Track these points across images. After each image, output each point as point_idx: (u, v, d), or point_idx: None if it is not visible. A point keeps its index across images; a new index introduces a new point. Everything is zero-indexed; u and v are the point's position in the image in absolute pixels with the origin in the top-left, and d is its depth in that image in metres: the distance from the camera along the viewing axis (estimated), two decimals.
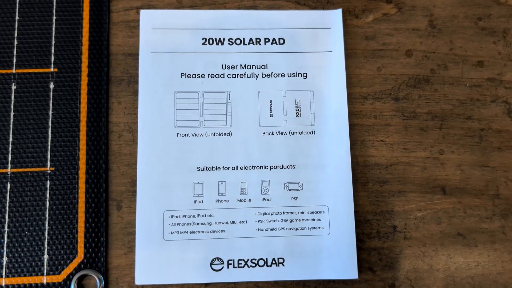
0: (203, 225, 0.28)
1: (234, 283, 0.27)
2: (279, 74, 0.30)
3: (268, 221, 0.28)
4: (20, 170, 0.27)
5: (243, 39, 0.30)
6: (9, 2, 0.29)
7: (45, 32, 0.29)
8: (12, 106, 0.28)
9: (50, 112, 0.28)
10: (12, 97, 0.28)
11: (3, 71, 0.28)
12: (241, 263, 0.28)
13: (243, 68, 0.30)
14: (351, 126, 0.29)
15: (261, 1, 0.30)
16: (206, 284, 0.27)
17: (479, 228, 0.29)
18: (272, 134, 0.29)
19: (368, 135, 0.29)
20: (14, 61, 0.28)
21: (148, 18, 0.30)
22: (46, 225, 0.27)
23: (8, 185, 0.27)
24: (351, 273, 0.28)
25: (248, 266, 0.28)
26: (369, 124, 0.30)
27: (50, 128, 0.28)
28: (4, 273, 0.26)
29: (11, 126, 0.27)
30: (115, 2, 0.30)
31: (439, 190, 0.29)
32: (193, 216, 0.28)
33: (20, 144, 0.27)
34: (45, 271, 0.26)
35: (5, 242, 0.26)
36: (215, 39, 0.30)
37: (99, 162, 0.28)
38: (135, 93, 0.29)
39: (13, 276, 0.26)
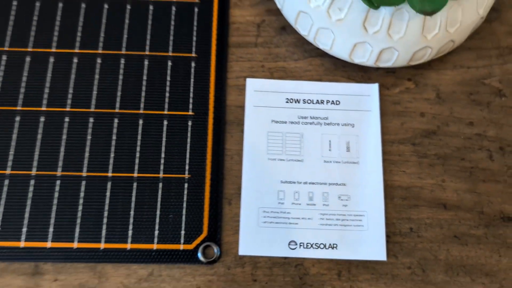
0: (283, 219, 0.40)
1: (303, 258, 0.39)
2: (335, 123, 0.42)
3: (326, 219, 0.40)
4: (169, 175, 0.40)
5: (312, 100, 0.43)
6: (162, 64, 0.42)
7: (185, 90, 0.42)
8: (164, 136, 0.41)
9: (189, 140, 0.41)
10: (165, 130, 0.41)
11: (159, 112, 0.41)
12: (308, 245, 0.39)
13: (312, 119, 0.42)
14: (383, 160, 0.41)
15: (325, 76, 0.44)
16: (285, 258, 0.39)
17: (469, 233, 0.40)
18: (330, 162, 0.41)
19: (394, 167, 0.41)
20: (167, 106, 0.42)
21: (251, 84, 0.43)
22: (184, 212, 0.39)
23: (160, 185, 0.40)
24: (382, 256, 0.39)
25: (313, 248, 0.39)
26: (395, 159, 0.41)
27: (188, 150, 0.40)
28: (156, 241, 0.38)
29: (163, 147, 0.40)
30: (230, 73, 0.43)
31: (442, 206, 0.40)
32: (277, 212, 0.40)
33: (170, 158, 0.40)
34: (182, 241, 0.38)
35: (157, 222, 0.38)
36: (294, 99, 0.43)
37: (218, 173, 0.40)
38: (242, 131, 0.41)
39: (163, 243, 0.38)
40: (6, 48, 0.41)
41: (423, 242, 0.39)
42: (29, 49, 0.41)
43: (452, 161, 0.41)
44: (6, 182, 0.38)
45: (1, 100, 0.40)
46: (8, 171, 0.38)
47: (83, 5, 0.42)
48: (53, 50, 0.41)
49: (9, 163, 0.38)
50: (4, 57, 0.41)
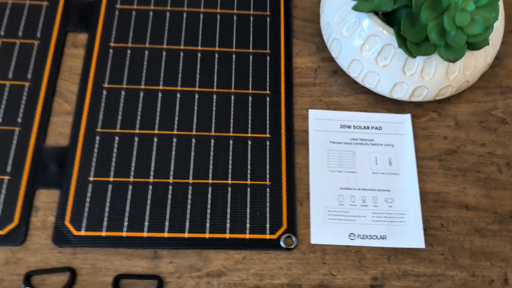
0: (344, 216, 0.50)
1: (361, 246, 0.49)
2: (379, 144, 0.53)
3: (377, 217, 0.50)
4: (254, 182, 0.50)
5: (360, 126, 0.54)
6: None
7: (263, 118, 0.53)
8: (249, 152, 0.52)
9: (268, 156, 0.52)
10: (249, 148, 0.52)
11: (244, 135, 0.52)
12: (364, 237, 0.49)
13: (361, 140, 0.53)
14: (418, 172, 0.52)
15: (369, 108, 0.55)
16: (347, 246, 0.49)
17: (487, 228, 0.50)
18: (377, 173, 0.52)
19: (426, 177, 0.52)
20: (250, 130, 0.53)
21: (312, 114, 0.54)
22: (268, 210, 0.49)
23: (248, 190, 0.50)
24: (421, 245, 0.49)
25: (367, 239, 0.49)
26: (426, 172, 0.52)
27: (268, 163, 0.51)
28: (248, 232, 0.48)
29: (249, 161, 0.51)
30: (296, 105, 0.54)
31: (464, 207, 0.51)
32: (339, 212, 0.50)
33: (254, 169, 0.51)
34: (267, 232, 0.48)
35: (248, 218, 0.49)
36: (346, 125, 0.54)
37: (291, 181, 0.50)
38: (307, 149, 0.52)
39: (253, 234, 0.48)
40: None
41: (452, 234, 0.49)
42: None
43: (470, 173, 0.52)
44: (130, 187, 0.48)
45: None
46: (131, 179, 0.49)
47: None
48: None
49: (132, 173, 0.49)
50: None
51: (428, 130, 0.54)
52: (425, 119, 0.54)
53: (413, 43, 0.46)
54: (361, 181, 0.50)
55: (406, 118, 0.54)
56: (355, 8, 0.47)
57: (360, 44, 0.49)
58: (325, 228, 0.48)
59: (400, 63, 0.49)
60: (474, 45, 0.47)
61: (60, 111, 0.52)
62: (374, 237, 0.48)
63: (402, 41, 0.46)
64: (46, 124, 0.51)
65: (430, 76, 0.49)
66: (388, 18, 0.49)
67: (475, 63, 0.50)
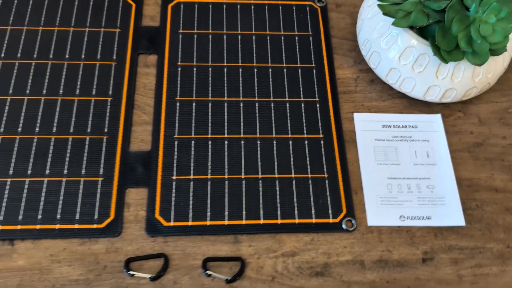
0: (393, 202, 0.57)
1: (410, 226, 0.56)
2: (417, 140, 0.61)
3: (421, 200, 0.57)
4: (314, 175, 0.57)
5: (399, 125, 0.62)
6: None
7: (316, 122, 0.61)
8: (307, 150, 0.59)
9: (323, 152, 0.59)
10: (307, 147, 0.59)
11: (301, 136, 0.60)
12: (412, 218, 0.56)
13: (401, 137, 0.61)
14: (452, 162, 0.60)
15: (404, 110, 0.63)
16: (398, 226, 0.56)
17: None
18: (417, 164, 0.59)
19: (459, 166, 0.59)
20: (305, 132, 0.60)
21: (357, 116, 0.62)
22: (328, 199, 0.56)
23: (310, 181, 0.57)
24: (461, 223, 0.56)
25: (416, 219, 0.56)
26: (459, 162, 0.60)
27: (324, 159, 0.59)
28: (313, 217, 0.55)
29: (307, 158, 0.58)
30: (342, 110, 0.62)
31: (494, 190, 0.58)
32: (389, 198, 0.57)
33: (313, 164, 0.58)
34: (330, 217, 0.55)
35: (312, 205, 0.56)
36: (387, 125, 0.62)
37: (345, 174, 0.58)
38: (356, 146, 0.60)
39: (318, 218, 0.55)
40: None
41: (486, 213, 0.57)
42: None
43: (496, 162, 0.60)
44: (209, 183, 0.55)
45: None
46: (209, 176, 0.55)
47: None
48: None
49: (209, 171, 0.56)
50: None
51: (456, 127, 0.62)
52: (452, 118, 0.62)
53: (446, 51, 0.55)
54: (404, 171, 0.58)
55: (437, 117, 0.62)
56: (394, 24, 0.56)
57: (398, 55, 0.58)
58: (378, 212, 0.56)
59: (433, 69, 0.57)
60: (495, 52, 0.56)
61: (140, 121, 0.59)
62: (421, 218, 0.56)
63: (437, 50, 0.55)
64: (129, 133, 0.58)
65: (459, 79, 0.57)
66: (421, 32, 0.58)
67: (495, 67, 0.58)
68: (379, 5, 0.57)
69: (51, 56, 0.61)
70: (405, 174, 0.58)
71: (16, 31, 0.63)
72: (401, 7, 0.56)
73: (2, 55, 0.61)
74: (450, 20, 0.53)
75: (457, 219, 0.56)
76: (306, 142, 0.58)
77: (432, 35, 0.55)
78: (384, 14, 0.57)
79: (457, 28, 0.53)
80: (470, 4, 0.54)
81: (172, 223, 0.53)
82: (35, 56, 0.61)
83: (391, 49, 0.58)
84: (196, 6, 0.67)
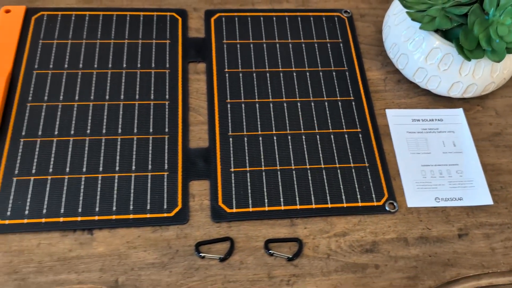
0: (428, 185, 0.63)
1: (445, 206, 0.62)
2: (443, 131, 0.67)
3: (452, 184, 0.63)
4: (357, 165, 0.63)
5: (427, 119, 0.68)
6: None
7: (352, 118, 0.67)
8: (347, 143, 0.65)
9: (362, 145, 0.65)
10: (347, 140, 0.65)
11: (340, 130, 0.66)
12: (446, 199, 0.62)
13: (429, 129, 0.67)
14: (476, 150, 0.66)
15: (430, 105, 0.70)
16: (434, 207, 0.61)
17: None
18: (446, 152, 0.66)
19: (483, 153, 0.66)
20: (344, 127, 0.66)
21: (389, 112, 0.68)
22: (371, 185, 0.62)
23: (353, 170, 0.63)
24: (489, 202, 0.62)
25: (449, 201, 0.62)
26: (482, 150, 0.66)
27: (363, 150, 0.65)
28: (359, 201, 0.61)
29: (349, 149, 0.65)
30: (375, 107, 0.68)
31: None
32: (424, 183, 0.63)
33: (354, 155, 0.64)
34: (374, 200, 0.61)
35: (357, 190, 0.61)
36: (416, 119, 0.68)
37: (383, 163, 0.64)
38: (391, 139, 0.66)
39: (364, 202, 0.61)
40: None
41: (510, 193, 0.63)
42: None
43: None
44: (263, 174, 0.61)
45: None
46: (263, 168, 0.61)
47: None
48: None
49: (262, 164, 0.62)
50: None
51: (476, 119, 0.69)
52: (472, 112, 0.69)
53: (468, 50, 0.62)
54: (435, 159, 0.64)
55: (460, 111, 0.69)
56: (421, 28, 0.63)
57: (424, 55, 0.65)
58: (416, 195, 0.62)
59: (457, 67, 0.64)
60: (511, 50, 0.63)
61: (196, 122, 0.65)
62: (453, 199, 0.62)
63: (461, 49, 0.62)
64: (187, 132, 0.63)
65: (479, 75, 0.64)
66: (445, 35, 0.65)
67: (510, 64, 0.65)
68: (407, 12, 0.64)
69: (109, 65, 0.67)
70: (436, 162, 0.64)
71: (76, 45, 0.68)
72: (427, 13, 0.63)
73: (66, 66, 0.66)
74: (472, 23, 0.60)
75: (485, 199, 0.62)
76: (346, 136, 0.65)
77: (454, 37, 0.63)
78: (412, 19, 0.64)
79: (478, 29, 0.60)
80: (488, 8, 0.61)
81: (234, 210, 0.58)
82: (95, 66, 0.67)
83: (418, 51, 0.65)
84: (236, 19, 0.73)
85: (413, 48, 0.66)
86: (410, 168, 0.63)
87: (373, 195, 0.61)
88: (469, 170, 0.64)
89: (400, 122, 0.67)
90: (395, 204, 0.61)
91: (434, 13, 0.63)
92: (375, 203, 0.60)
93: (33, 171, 0.58)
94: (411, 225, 0.60)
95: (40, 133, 0.61)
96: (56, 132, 0.61)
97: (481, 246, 0.59)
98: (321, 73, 0.70)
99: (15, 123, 0.61)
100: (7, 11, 0.70)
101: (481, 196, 0.62)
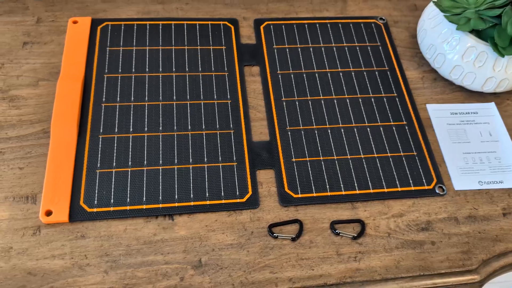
0: (471, 171, 0.68)
1: (488, 189, 0.67)
2: (479, 122, 0.73)
3: (493, 169, 0.68)
4: (405, 154, 0.68)
5: (463, 112, 0.74)
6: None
7: (398, 112, 0.73)
8: (396, 136, 0.70)
9: (409, 136, 0.70)
10: (395, 133, 0.71)
11: (387, 124, 0.71)
12: (488, 182, 0.67)
13: (467, 121, 0.73)
14: (511, 138, 0.72)
15: (465, 100, 0.76)
16: (478, 190, 0.67)
17: None
18: (484, 142, 0.71)
19: None
20: (391, 120, 0.72)
21: (429, 107, 0.74)
22: (421, 171, 0.67)
23: (404, 158, 0.68)
24: None
25: (491, 183, 0.67)
26: None
27: (411, 141, 0.70)
28: (412, 185, 0.66)
29: (398, 141, 0.70)
30: (417, 102, 0.74)
31: None
32: (466, 169, 0.68)
33: (403, 145, 0.69)
34: (425, 184, 0.66)
35: (409, 175, 0.66)
36: (454, 112, 0.74)
37: (429, 151, 0.69)
38: (433, 130, 0.71)
39: (416, 186, 0.66)
40: None
41: None
42: None
43: None
44: (322, 163, 0.65)
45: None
46: (321, 157, 0.66)
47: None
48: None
49: (320, 154, 0.66)
50: None
51: (508, 112, 0.74)
52: (503, 105, 0.75)
53: (502, 47, 0.68)
54: (475, 147, 0.70)
55: (492, 105, 0.75)
56: (458, 29, 0.69)
57: (461, 54, 0.71)
58: (461, 179, 0.67)
59: (491, 64, 0.70)
60: None
61: (256, 118, 0.70)
62: (495, 182, 0.67)
63: (495, 47, 0.68)
64: (249, 127, 0.68)
65: (511, 70, 0.70)
66: (478, 35, 0.71)
67: None
68: (445, 16, 0.70)
69: (173, 69, 0.72)
70: (476, 149, 0.70)
71: (140, 51, 0.74)
72: (463, 15, 0.69)
73: (133, 70, 0.71)
74: (505, 23, 0.67)
75: None
76: (393, 128, 0.70)
77: (489, 36, 0.69)
78: (450, 22, 0.70)
79: (511, 28, 0.67)
80: None
81: (300, 195, 0.63)
82: (160, 69, 0.72)
83: (455, 50, 0.71)
84: (283, 26, 0.79)
85: (450, 48, 0.72)
86: (453, 156, 0.69)
87: (424, 180, 0.66)
88: (507, 156, 0.69)
89: (440, 115, 0.73)
90: (443, 187, 0.66)
91: (469, 15, 0.69)
92: (426, 187, 0.65)
93: (114, 164, 0.63)
94: (459, 206, 0.65)
95: (116, 130, 0.65)
96: (131, 129, 0.66)
97: None
98: (365, 73, 0.75)
99: (93, 122, 0.66)
100: (75, 22, 0.75)
101: None
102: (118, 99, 0.68)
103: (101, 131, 0.65)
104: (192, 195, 0.61)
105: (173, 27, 0.77)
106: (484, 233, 0.63)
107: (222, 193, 0.62)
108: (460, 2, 0.71)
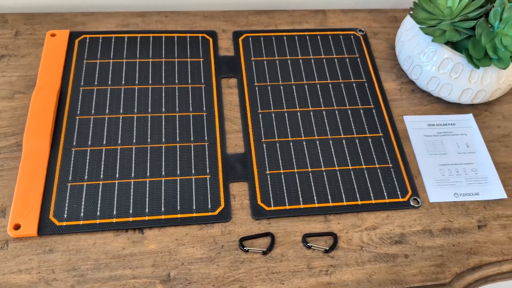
0: (447, 183, 0.66)
1: (463, 201, 0.65)
2: (457, 134, 0.72)
3: (469, 181, 0.67)
4: (381, 166, 0.67)
5: (441, 123, 0.73)
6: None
7: (374, 124, 0.71)
8: (372, 148, 0.69)
9: (385, 148, 0.69)
10: (371, 145, 0.69)
11: (364, 135, 0.70)
12: (463, 194, 0.65)
13: (444, 133, 0.71)
14: (488, 150, 0.71)
15: (442, 111, 0.74)
16: (455, 202, 0.65)
17: None
18: (461, 153, 0.70)
19: (494, 153, 0.70)
20: (367, 132, 0.71)
21: (407, 118, 0.72)
22: (396, 182, 0.66)
23: (379, 171, 0.67)
24: (504, 196, 0.66)
25: (466, 195, 0.65)
26: (493, 150, 0.70)
27: (387, 153, 0.69)
28: (386, 197, 0.64)
29: (373, 153, 0.68)
30: (394, 114, 0.73)
31: None
32: (442, 180, 0.67)
33: (378, 157, 0.68)
34: (399, 196, 0.64)
35: (384, 188, 0.65)
36: (432, 124, 0.73)
37: (405, 163, 0.68)
38: (410, 142, 0.70)
39: (390, 198, 0.64)
40: None
41: None
42: None
43: None
44: (296, 175, 0.64)
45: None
46: (296, 170, 0.65)
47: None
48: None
49: (295, 166, 0.65)
50: None
51: (486, 123, 0.73)
52: (481, 116, 0.74)
53: (477, 59, 0.67)
54: (451, 159, 0.68)
55: (470, 116, 0.73)
56: (434, 40, 0.68)
57: (437, 66, 0.70)
58: (437, 191, 0.65)
59: (466, 75, 0.69)
60: None
61: (232, 130, 0.68)
62: (471, 194, 0.66)
63: (470, 58, 0.67)
64: (224, 139, 0.67)
65: (487, 82, 0.69)
66: (454, 46, 0.70)
67: None
68: (420, 27, 0.69)
69: (149, 82, 0.71)
70: (452, 161, 0.68)
71: (117, 63, 0.73)
72: (438, 27, 0.68)
73: (109, 82, 0.70)
74: (479, 34, 0.66)
75: (500, 193, 0.66)
76: (369, 140, 0.69)
77: (464, 48, 0.68)
78: (426, 33, 0.69)
79: (485, 40, 0.66)
80: (493, 21, 0.66)
81: (272, 208, 0.62)
82: (136, 82, 0.71)
83: (431, 62, 0.70)
84: (262, 38, 0.78)
85: (426, 59, 0.71)
86: (429, 168, 0.67)
87: (398, 192, 0.64)
88: (483, 168, 0.68)
89: (417, 127, 0.71)
90: (418, 199, 0.64)
91: (444, 27, 0.68)
92: (400, 199, 0.64)
93: (86, 177, 0.62)
94: (434, 218, 0.63)
95: (89, 143, 0.65)
96: (104, 142, 0.65)
97: (499, 236, 0.62)
98: (342, 85, 0.74)
99: (66, 134, 0.65)
100: (53, 35, 0.74)
101: (496, 191, 0.66)
102: (93, 111, 0.67)
103: (74, 144, 0.64)
104: (163, 208, 0.60)
105: (151, 39, 0.76)
106: (458, 246, 0.61)
107: (194, 206, 0.61)
108: (435, 13, 0.70)
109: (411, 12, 0.72)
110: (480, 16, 0.67)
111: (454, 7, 0.69)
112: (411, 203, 0.64)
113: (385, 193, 0.64)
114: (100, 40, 0.75)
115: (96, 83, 0.70)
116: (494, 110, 0.75)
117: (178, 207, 0.61)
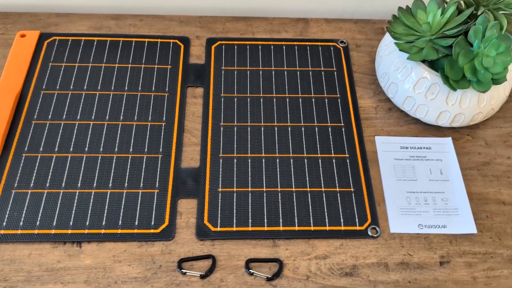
0: (412, 212, 0.61)
1: (428, 233, 0.59)
2: (431, 159, 0.66)
3: (437, 211, 0.61)
4: (343, 190, 0.62)
5: (415, 147, 0.67)
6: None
7: (342, 144, 0.67)
8: (335, 169, 0.64)
9: (349, 170, 0.64)
10: (335, 166, 0.65)
11: (329, 156, 0.65)
12: (429, 226, 0.60)
13: (417, 157, 0.65)
14: (463, 179, 0.65)
15: (419, 133, 0.69)
16: (418, 233, 0.60)
17: None
18: (433, 180, 0.64)
19: (470, 182, 0.64)
20: (333, 152, 0.66)
21: (378, 139, 0.67)
22: (355, 209, 0.61)
23: (338, 195, 0.62)
24: (473, 230, 0.60)
25: (432, 227, 0.60)
26: (469, 178, 0.64)
27: (350, 176, 0.64)
28: (342, 224, 0.60)
29: (335, 174, 0.64)
30: (365, 133, 0.67)
31: (502, 203, 0.62)
32: (408, 209, 0.61)
33: (340, 180, 0.63)
34: (357, 225, 0.59)
35: (341, 215, 0.60)
36: (405, 147, 0.67)
37: (369, 188, 0.63)
38: (378, 165, 0.65)
39: (347, 226, 0.59)
40: None
41: (495, 223, 0.61)
42: None
43: (502, 179, 0.64)
44: (249, 194, 0.60)
45: None
46: (249, 189, 0.61)
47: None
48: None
49: (249, 185, 0.61)
50: None
51: (466, 149, 0.67)
52: (462, 141, 0.68)
53: (454, 80, 0.61)
54: (421, 186, 0.63)
55: (448, 140, 0.67)
56: (409, 58, 0.62)
57: (413, 85, 0.64)
58: (399, 221, 0.60)
59: (443, 97, 0.63)
60: (496, 81, 0.61)
61: (190, 143, 0.65)
62: (437, 226, 0.60)
63: (446, 80, 0.61)
64: (180, 152, 0.64)
65: (466, 105, 0.63)
66: (432, 65, 0.64)
67: (497, 94, 0.64)
68: (395, 43, 0.64)
69: (112, 88, 0.69)
70: (422, 189, 0.63)
71: (82, 67, 0.71)
72: (415, 44, 0.62)
73: (71, 87, 0.68)
74: (457, 54, 0.60)
75: (470, 227, 0.60)
76: (333, 160, 0.64)
77: (441, 67, 0.62)
78: (400, 50, 0.63)
79: (463, 60, 0.60)
80: (473, 40, 0.60)
81: (219, 228, 0.58)
82: (98, 88, 0.68)
83: (406, 80, 0.65)
84: (236, 47, 0.74)
85: (402, 77, 0.65)
86: (395, 194, 0.62)
87: (356, 220, 0.59)
88: (455, 198, 0.62)
89: (389, 149, 0.66)
90: (377, 229, 0.59)
91: (421, 44, 0.62)
92: (357, 228, 0.59)
93: (31, 184, 0.60)
94: (392, 251, 0.58)
95: (41, 149, 0.62)
96: (56, 149, 0.63)
97: (462, 275, 0.57)
98: (313, 100, 0.70)
99: (19, 139, 0.63)
100: (23, 36, 0.73)
101: (466, 224, 0.60)
102: (50, 116, 0.65)
103: (25, 149, 0.62)
104: (104, 222, 0.57)
105: (120, 44, 0.73)
106: (415, 283, 0.56)
107: (136, 222, 0.58)
108: (414, 28, 0.64)
109: (388, 26, 0.66)
110: (459, 34, 0.61)
111: (434, 23, 0.62)
112: (369, 233, 0.59)
113: (341, 220, 0.59)
114: (69, 43, 0.73)
115: (58, 87, 0.68)
116: (477, 135, 0.68)
117: (120, 222, 0.58)
